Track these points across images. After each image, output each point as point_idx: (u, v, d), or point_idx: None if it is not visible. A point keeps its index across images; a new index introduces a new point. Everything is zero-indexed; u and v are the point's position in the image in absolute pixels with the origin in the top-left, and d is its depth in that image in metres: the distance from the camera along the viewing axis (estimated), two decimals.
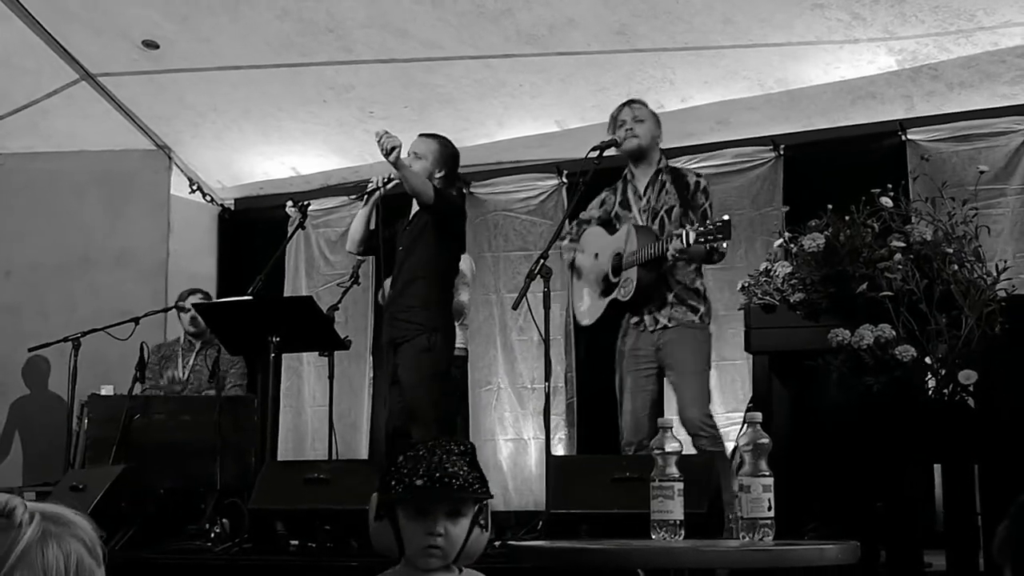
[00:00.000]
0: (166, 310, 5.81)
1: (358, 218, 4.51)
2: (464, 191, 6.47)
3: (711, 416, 3.99)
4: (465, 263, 5.14)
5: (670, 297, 4.00)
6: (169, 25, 5.71)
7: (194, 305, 5.53)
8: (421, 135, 4.58)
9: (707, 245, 3.67)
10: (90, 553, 1.27)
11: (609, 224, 4.23)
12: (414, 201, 4.40)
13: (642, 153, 4.14)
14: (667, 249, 3.82)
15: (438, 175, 4.42)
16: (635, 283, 3.97)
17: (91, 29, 5.80)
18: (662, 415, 3.93)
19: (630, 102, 4.23)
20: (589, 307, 4.22)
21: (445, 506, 1.82)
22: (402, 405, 4.26)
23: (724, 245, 3.71)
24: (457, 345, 4.73)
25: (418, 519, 1.83)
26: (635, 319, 4.08)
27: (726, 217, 3.63)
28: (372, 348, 6.40)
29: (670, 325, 3.99)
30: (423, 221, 4.39)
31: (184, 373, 5.62)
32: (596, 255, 4.19)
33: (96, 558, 1.27)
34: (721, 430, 5.71)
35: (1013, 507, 1.17)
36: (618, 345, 4.18)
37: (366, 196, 4.44)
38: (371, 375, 6.46)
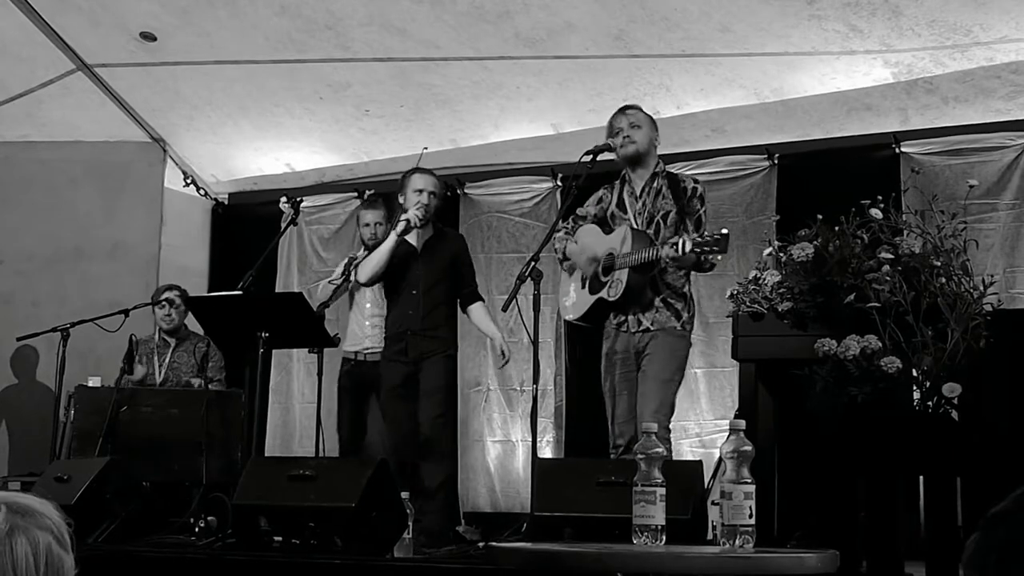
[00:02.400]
0: (150, 304, 5.75)
1: (383, 252, 4.70)
2: (457, 192, 6.49)
3: (668, 429, 3.98)
4: None
5: (656, 301, 4.01)
6: (167, 17, 5.70)
7: (185, 299, 5.53)
8: (424, 172, 4.85)
9: (701, 256, 3.66)
10: (58, 542, 1.27)
11: (604, 223, 4.23)
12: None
13: (639, 158, 4.15)
14: (661, 255, 3.82)
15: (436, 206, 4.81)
16: (624, 284, 3.97)
17: (89, 19, 5.79)
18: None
19: (626, 108, 4.24)
20: (575, 302, 4.23)
21: None
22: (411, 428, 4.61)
23: (718, 258, 3.71)
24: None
25: None
26: (619, 319, 4.09)
27: (725, 231, 3.61)
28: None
29: (652, 328, 4.00)
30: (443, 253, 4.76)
31: (161, 372, 5.60)
32: (589, 252, 4.18)
33: (64, 546, 1.27)
34: (709, 436, 5.78)
35: (983, 520, 1.17)
36: (603, 348, 4.18)
37: (399, 233, 4.65)
38: None
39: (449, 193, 6.33)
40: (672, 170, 4.37)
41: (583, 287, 4.20)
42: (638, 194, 4.15)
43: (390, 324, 4.79)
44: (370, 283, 4.89)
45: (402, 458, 4.55)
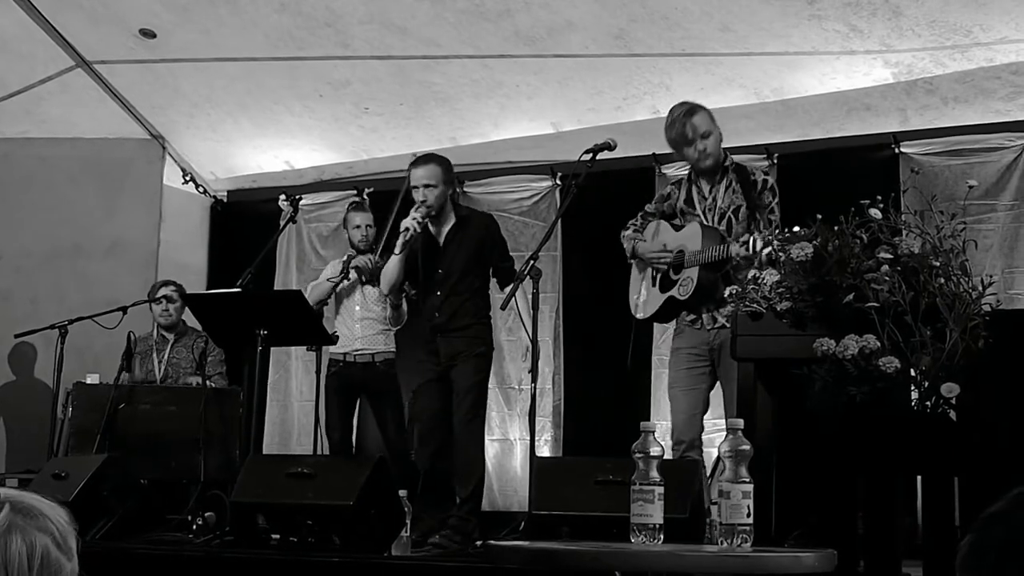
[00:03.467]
0: (147, 302, 5.75)
1: (395, 264, 4.46)
2: (457, 190, 6.47)
3: None
4: None
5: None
6: (167, 15, 5.70)
7: (182, 295, 5.53)
8: (417, 164, 4.49)
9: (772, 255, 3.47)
10: (59, 547, 1.25)
11: (671, 220, 4.14)
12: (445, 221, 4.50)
13: (717, 166, 4.03)
14: (731, 253, 3.76)
15: (450, 193, 4.52)
16: (695, 283, 3.90)
17: (88, 16, 5.79)
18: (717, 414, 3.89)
19: (686, 116, 4.00)
20: (645, 300, 4.14)
21: None
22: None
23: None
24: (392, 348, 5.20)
25: None
26: (691, 317, 4.03)
27: (796, 229, 3.51)
28: None
29: (728, 325, 3.83)
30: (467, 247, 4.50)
31: (160, 369, 5.60)
32: (660, 248, 4.09)
33: (66, 551, 1.26)
34: (708, 436, 5.77)
35: (978, 521, 1.17)
36: (672, 344, 4.13)
37: (403, 242, 4.36)
38: None
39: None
40: (741, 160, 4.24)
41: (653, 285, 4.11)
42: (707, 191, 4.06)
43: (420, 324, 4.62)
44: (393, 291, 4.65)
45: (431, 456, 4.40)
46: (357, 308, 5.32)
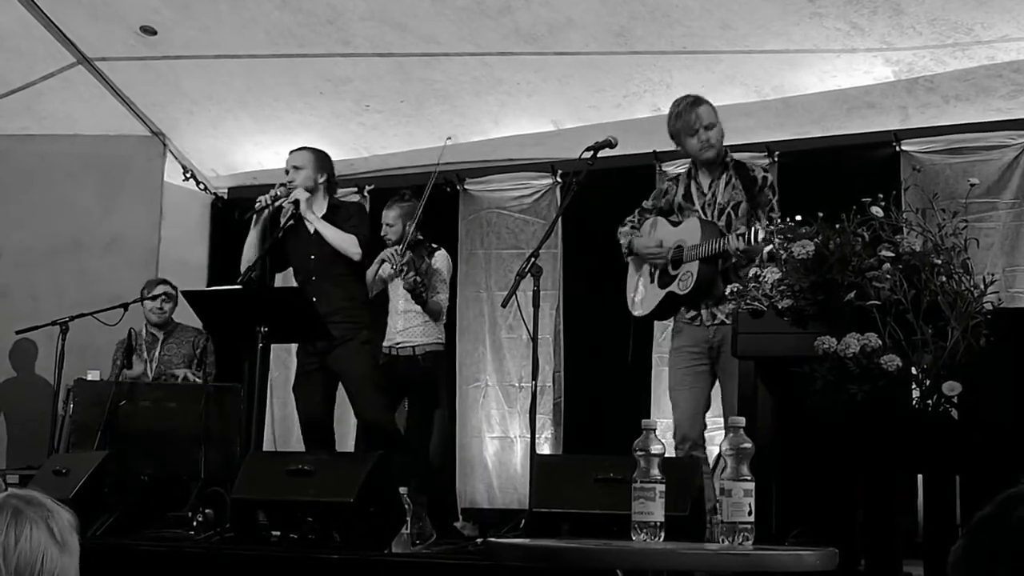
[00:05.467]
0: (146, 299, 5.73)
1: (249, 243, 4.79)
2: (457, 188, 6.47)
3: None
4: (442, 261, 5.13)
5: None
6: (168, 12, 5.70)
7: (184, 293, 5.52)
8: (292, 151, 4.98)
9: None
10: (59, 544, 1.26)
11: (668, 215, 4.13)
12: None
13: (720, 158, 4.03)
14: (730, 246, 3.74)
15: (321, 180, 4.85)
16: (695, 277, 3.87)
17: (89, 13, 5.78)
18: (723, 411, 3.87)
19: (697, 104, 4.03)
20: (644, 297, 4.12)
21: None
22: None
23: None
24: (435, 339, 5.14)
25: None
26: (691, 314, 4.01)
27: (799, 217, 3.50)
28: None
29: (728, 321, 3.83)
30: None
31: (152, 367, 5.59)
32: (657, 244, 4.07)
33: (61, 545, 1.27)
34: (708, 434, 5.77)
35: (970, 525, 1.16)
36: (672, 343, 4.12)
37: (255, 216, 4.75)
38: None
39: (449, 188, 6.33)
40: (740, 157, 4.22)
41: (651, 281, 4.09)
42: (706, 187, 4.05)
43: None
44: (249, 275, 4.81)
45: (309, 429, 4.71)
46: (401, 302, 5.24)
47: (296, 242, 4.83)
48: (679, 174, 4.23)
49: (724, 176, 4.04)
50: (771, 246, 3.26)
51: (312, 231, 4.77)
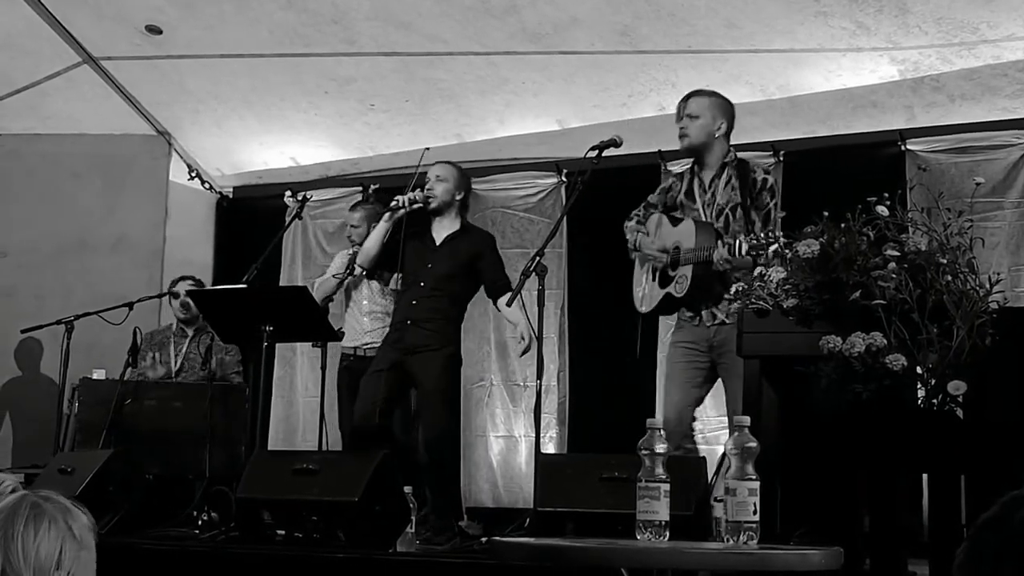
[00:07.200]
0: (160, 296, 5.83)
1: (377, 234, 4.64)
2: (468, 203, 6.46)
3: None
4: None
5: (727, 294, 3.88)
6: (173, 11, 5.71)
7: (188, 291, 5.54)
8: (437, 162, 4.80)
9: (758, 260, 3.45)
10: (76, 540, 1.26)
11: (672, 212, 4.12)
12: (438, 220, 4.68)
13: (695, 150, 4.04)
14: (715, 256, 3.72)
15: (458, 197, 4.71)
16: (689, 281, 3.87)
17: (94, 12, 5.79)
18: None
19: (689, 95, 4.04)
20: (646, 294, 4.12)
21: None
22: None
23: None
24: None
25: None
26: (691, 314, 4.01)
27: (806, 229, 3.22)
28: None
29: (728, 321, 3.85)
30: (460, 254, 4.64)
31: (177, 361, 5.62)
32: (658, 243, 4.07)
33: (78, 541, 1.27)
34: (713, 433, 5.77)
35: (973, 527, 1.16)
36: (671, 338, 4.12)
37: (389, 213, 4.60)
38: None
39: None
40: (744, 157, 4.18)
41: (653, 279, 4.09)
42: (707, 185, 4.03)
43: (396, 314, 4.72)
44: (369, 266, 4.78)
45: (359, 434, 4.51)
46: (365, 302, 5.33)
47: (416, 247, 4.64)
48: (684, 170, 4.22)
49: (725, 175, 4.03)
50: (764, 254, 3.24)
51: (438, 243, 4.63)
